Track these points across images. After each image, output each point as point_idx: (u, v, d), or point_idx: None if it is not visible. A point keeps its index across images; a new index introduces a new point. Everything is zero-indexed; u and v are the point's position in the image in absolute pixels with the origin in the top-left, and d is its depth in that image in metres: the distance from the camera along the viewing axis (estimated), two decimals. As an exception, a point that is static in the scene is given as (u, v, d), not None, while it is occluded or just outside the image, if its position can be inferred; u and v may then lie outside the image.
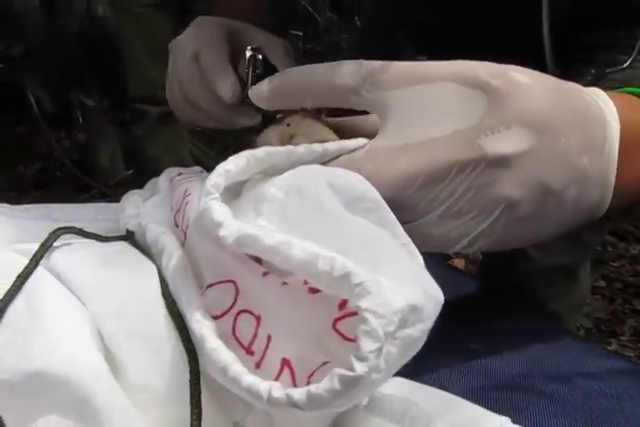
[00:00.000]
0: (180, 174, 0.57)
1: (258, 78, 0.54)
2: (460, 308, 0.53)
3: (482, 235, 0.44)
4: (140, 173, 2.16)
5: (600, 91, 0.47)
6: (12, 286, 0.42)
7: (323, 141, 0.47)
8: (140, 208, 0.55)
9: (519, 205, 0.43)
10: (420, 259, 0.40)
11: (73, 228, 0.50)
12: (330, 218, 0.40)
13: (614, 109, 0.46)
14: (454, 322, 0.46)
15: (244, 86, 0.58)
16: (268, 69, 0.58)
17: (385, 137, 0.45)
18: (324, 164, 0.46)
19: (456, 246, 0.44)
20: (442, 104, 0.43)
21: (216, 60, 0.60)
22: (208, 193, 0.41)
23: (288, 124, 0.50)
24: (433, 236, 0.44)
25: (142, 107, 2.14)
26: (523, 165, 0.42)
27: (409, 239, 0.40)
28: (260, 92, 0.49)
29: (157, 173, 0.60)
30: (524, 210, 0.43)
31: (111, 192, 2.21)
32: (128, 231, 0.53)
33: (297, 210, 0.41)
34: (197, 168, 0.61)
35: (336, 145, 0.46)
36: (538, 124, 0.42)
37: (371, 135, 0.46)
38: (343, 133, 0.49)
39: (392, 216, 0.40)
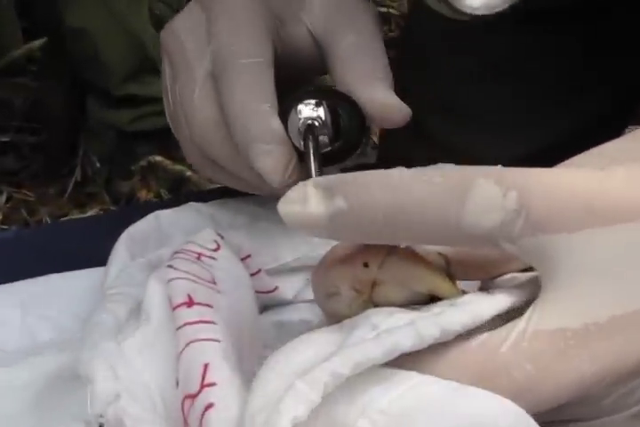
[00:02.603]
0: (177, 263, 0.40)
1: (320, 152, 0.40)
2: None
3: None
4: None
5: None
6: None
7: (430, 295, 0.32)
8: (120, 376, 0.36)
9: None
10: None
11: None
12: None
13: None
14: None
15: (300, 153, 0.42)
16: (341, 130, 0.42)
17: (552, 312, 0.28)
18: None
19: None
20: None
21: (253, 96, 0.42)
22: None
23: (366, 265, 0.33)
24: None
25: None
26: None
27: None
28: (314, 219, 0.31)
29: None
30: None
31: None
32: None
33: None
34: (208, 238, 0.43)
35: (462, 319, 0.29)
36: None
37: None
38: (463, 271, 0.33)
39: None
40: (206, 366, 0.35)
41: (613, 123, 0.73)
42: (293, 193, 0.31)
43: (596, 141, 0.31)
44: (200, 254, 0.42)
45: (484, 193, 0.28)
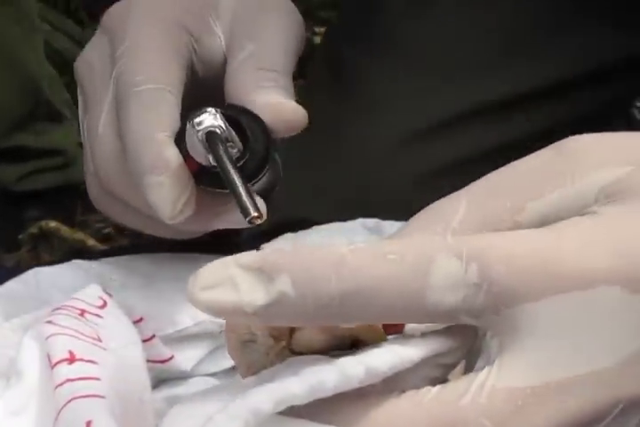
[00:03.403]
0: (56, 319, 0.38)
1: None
2: None
3: None
4: None
5: None
6: None
7: (353, 340, 0.31)
8: None
9: None
10: None
11: None
12: None
13: None
14: None
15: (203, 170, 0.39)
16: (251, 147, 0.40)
17: (512, 370, 0.29)
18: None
19: None
20: (600, 320, 0.29)
21: (147, 124, 0.41)
22: None
23: None
24: None
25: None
26: None
27: None
28: (248, 307, 0.28)
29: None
30: None
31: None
32: None
33: None
34: (93, 295, 0.41)
35: (388, 360, 0.29)
36: None
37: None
38: None
39: None
40: (89, 423, 0.33)
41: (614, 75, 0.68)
42: (210, 276, 0.28)
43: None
44: (83, 311, 0.40)
45: (446, 270, 0.29)
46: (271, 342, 0.31)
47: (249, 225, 0.38)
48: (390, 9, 0.67)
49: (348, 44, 0.63)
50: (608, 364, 0.29)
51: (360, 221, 0.53)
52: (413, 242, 0.30)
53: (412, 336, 0.30)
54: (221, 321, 0.44)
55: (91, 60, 0.45)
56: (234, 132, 0.39)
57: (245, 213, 0.37)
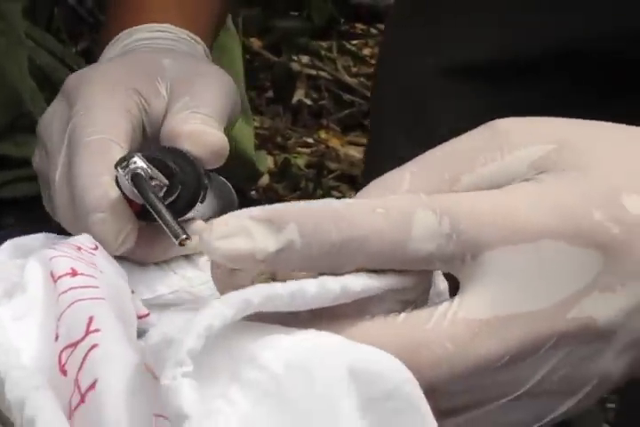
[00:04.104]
0: (62, 253, 0.41)
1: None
2: None
3: (557, 417, 0.36)
4: None
5: None
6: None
7: None
8: None
9: (611, 378, 0.36)
10: None
11: None
12: None
13: None
14: None
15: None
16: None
17: (469, 307, 0.34)
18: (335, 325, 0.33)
19: None
20: (544, 268, 0.34)
21: (92, 170, 0.46)
22: (180, 363, 0.30)
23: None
24: (497, 424, 0.36)
25: None
26: (632, 326, 0.35)
27: None
28: (260, 254, 0.32)
29: None
30: (614, 381, 0.36)
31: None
32: None
33: (294, 396, 0.31)
34: (86, 240, 0.43)
35: (360, 282, 0.33)
36: None
37: None
38: None
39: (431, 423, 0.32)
40: (91, 318, 0.36)
41: None
42: (226, 227, 0.32)
43: None
44: (80, 247, 0.43)
45: (425, 223, 0.33)
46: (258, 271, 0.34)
47: (183, 249, 0.44)
48: None
49: None
50: (546, 305, 0.34)
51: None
52: (396, 199, 0.35)
53: (378, 272, 0.34)
54: (196, 291, 0.46)
55: (50, 120, 0.50)
56: (157, 170, 0.44)
57: (175, 236, 0.42)
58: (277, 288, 0.32)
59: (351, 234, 0.33)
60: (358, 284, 0.33)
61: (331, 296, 0.32)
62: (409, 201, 0.34)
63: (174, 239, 0.42)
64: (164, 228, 0.43)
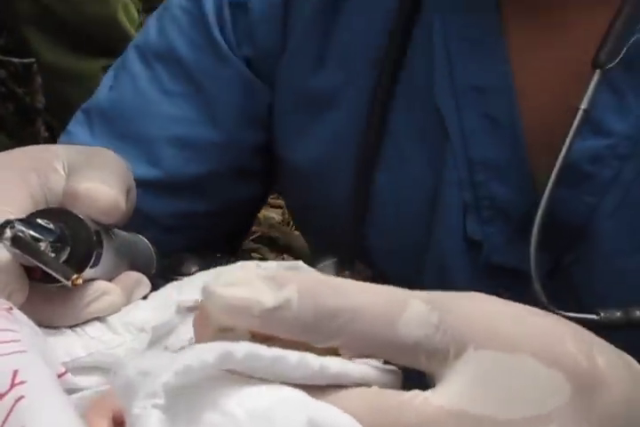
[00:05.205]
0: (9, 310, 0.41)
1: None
2: None
3: None
4: None
5: None
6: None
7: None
8: None
9: None
10: None
11: None
12: None
13: None
14: None
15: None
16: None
17: (442, 395, 0.35)
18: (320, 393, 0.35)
19: None
20: (517, 380, 0.35)
21: None
22: (153, 395, 0.31)
23: None
24: None
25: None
26: None
27: None
28: (260, 306, 0.34)
29: None
30: None
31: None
32: None
33: None
34: (2, 301, 0.42)
35: (338, 365, 0.35)
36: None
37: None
38: None
39: None
40: (15, 371, 0.36)
41: None
42: (232, 276, 0.34)
43: None
44: None
45: (417, 310, 0.35)
46: (248, 337, 0.35)
47: (97, 311, 0.47)
48: None
49: None
50: (499, 416, 0.35)
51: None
52: (391, 287, 0.36)
53: (361, 362, 0.36)
54: (114, 352, 0.46)
55: None
56: (41, 231, 0.45)
57: (65, 277, 0.44)
58: (261, 349, 0.33)
59: (347, 302, 0.34)
60: (336, 366, 0.34)
61: (309, 372, 0.34)
62: (403, 290, 0.36)
63: (65, 281, 0.44)
64: (53, 273, 0.44)
